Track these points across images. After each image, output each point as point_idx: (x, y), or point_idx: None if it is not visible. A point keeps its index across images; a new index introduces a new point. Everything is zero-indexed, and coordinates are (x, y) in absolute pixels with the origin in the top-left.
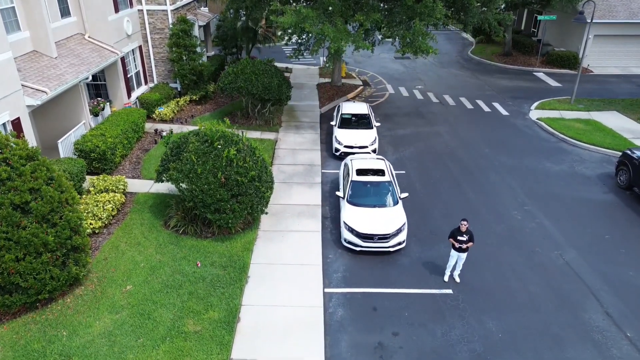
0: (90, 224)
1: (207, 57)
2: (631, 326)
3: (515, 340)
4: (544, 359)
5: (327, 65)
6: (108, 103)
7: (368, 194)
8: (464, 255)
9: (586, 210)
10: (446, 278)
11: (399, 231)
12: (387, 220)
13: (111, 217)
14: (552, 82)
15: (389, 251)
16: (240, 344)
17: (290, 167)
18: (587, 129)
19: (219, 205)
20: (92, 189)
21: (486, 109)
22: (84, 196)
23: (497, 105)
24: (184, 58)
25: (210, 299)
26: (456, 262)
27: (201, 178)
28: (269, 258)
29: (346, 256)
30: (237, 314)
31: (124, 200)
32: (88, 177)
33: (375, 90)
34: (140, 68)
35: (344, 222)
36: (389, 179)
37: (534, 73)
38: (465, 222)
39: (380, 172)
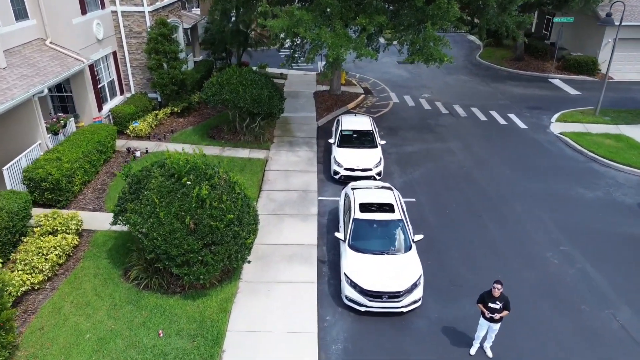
0: (28, 279)
1: (195, 62)
2: None
3: None
4: None
5: (325, 72)
6: (72, 118)
7: (374, 236)
8: (496, 326)
9: (633, 250)
10: (473, 351)
11: (414, 286)
12: (398, 272)
13: (57, 267)
14: (571, 90)
15: (402, 312)
16: None
17: (282, 194)
18: (619, 146)
19: (188, 257)
20: (38, 229)
21: (502, 121)
22: (25, 240)
23: (513, 116)
24: (165, 65)
25: None
26: (487, 333)
27: (164, 224)
28: (251, 322)
29: (348, 318)
30: None
31: (77, 242)
32: (38, 212)
33: (377, 100)
34: (114, 76)
35: (345, 275)
36: (399, 217)
37: (550, 80)
38: (499, 286)
39: (389, 207)
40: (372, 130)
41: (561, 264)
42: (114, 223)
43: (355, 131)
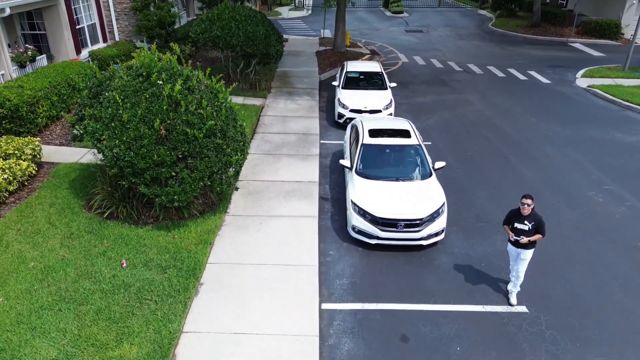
0: None
1: (188, 22)
2: None
3: None
4: None
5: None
6: (45, 56)
7: (387, 163)
8: (526, 255)
9: None
10: (511, 287)
11: (435, 215)
12: (416, 198)
13: (6, 194)
14: (594, 52)
15: (421, 245)
16: None
17: (279, 137)
18: None
19: (158, 172)
20: None
21: (521, 77)
22: None
23: (534, 73)
24: (152, 7)
25: (131, 322)
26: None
27: (129, 129)
28: (237, 255)
29: (355, 253)
30: (172, 349)
31: (34, 172)
32: None
33: (385, 59)
34: (96, 20)
35: (352, 202)
36: (416, 142)
37: (570, 44)
38: (529, 202)
39: (404, 133)
40: (381, 72)
41: (607, 202)
42: (72, 137)
43: (362, 73)
